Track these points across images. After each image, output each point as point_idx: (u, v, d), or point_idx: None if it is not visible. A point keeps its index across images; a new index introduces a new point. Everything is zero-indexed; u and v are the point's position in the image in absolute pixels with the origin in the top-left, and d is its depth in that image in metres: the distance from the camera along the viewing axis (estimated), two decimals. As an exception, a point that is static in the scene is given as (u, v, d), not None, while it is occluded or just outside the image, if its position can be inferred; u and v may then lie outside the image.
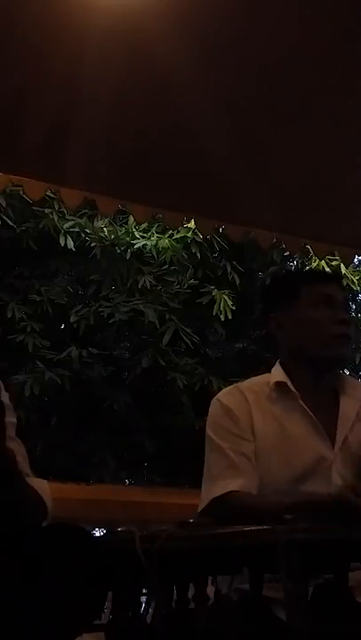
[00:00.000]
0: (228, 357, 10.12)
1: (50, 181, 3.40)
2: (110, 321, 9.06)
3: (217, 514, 1.86)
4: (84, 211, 8.66)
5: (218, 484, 1.95)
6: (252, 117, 3.15)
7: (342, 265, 7.94)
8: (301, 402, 2.05)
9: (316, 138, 3.24)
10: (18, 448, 1.64)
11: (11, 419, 1.59)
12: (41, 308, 9.10)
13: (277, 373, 2.12)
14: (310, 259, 8.92)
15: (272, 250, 8.24)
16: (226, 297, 9.32)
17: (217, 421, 2.08)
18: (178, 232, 9.30)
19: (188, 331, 9.23)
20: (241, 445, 2.00)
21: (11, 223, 9.04)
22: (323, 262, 8.06)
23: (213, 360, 9.86)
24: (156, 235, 9.45)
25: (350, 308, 2.52)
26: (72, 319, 9.11)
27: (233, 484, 1.93)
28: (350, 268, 9.53)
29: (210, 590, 1.39)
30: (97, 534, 1.61)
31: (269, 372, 2.17)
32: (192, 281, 9.57)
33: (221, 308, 9.29)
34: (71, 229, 9.22)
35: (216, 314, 9.33)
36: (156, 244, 9.43)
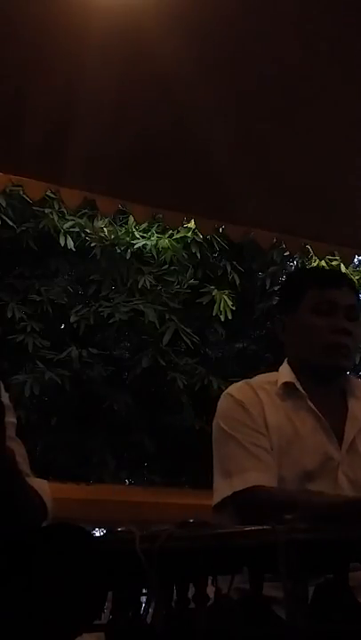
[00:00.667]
0: (228, 357, 10.12)
1: (50, 181, 3.41)
2: (110, 321, 9.06)
3: (241, 509, 1.83)
4: (84, 211, 8.66)
5: (239, 476, 1.89)
6: (252, 117, 3.15)
7: (342, 265, 7.93)
8: (310, 402, 2.03)
9: (317, 138, 3.24)
10: (18, 448, 1.64)
11: (11, 419, 1.59)
12: (41, 308, 9.10)
13: (285, 373, 2.10)
14: (310, 259, 8.91)
15: (272, 250, 8.23)
16: (226, 297, 9.32)
17: (230, 414, 2.02)
18: (178, 232, 9.30)
19: (188, 331, 9.23)
20: (258, 439, 1.95)
21: (11, 223, 9.04)
22: (323, 262, 8.05)
23: (213, 360, 9.86)
24: (156, 235, 9.45)
25: (357, 313, 2.47)
26: (72, 319, 9.11)
27: (255, 477, 1.87)
28: (350, 268, 9.52)
29: (210, 590, 1.39)
30: (97, 534, 1.61)
31: (271, 371, 2.16)
32: (192, 281, 9.57)
33: (221, 308, 9.29)
34: (71, 229, 9.21)
35: (216, 314, 9.33)
36: (156, 244, 9.43)
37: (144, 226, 9.26)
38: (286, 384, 2.07)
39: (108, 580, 1.38)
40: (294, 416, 2.03)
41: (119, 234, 9.40)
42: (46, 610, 1.31)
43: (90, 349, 9.03)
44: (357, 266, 10.42)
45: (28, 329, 8.91)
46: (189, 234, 9.32)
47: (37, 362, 8.78)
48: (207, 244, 9.46)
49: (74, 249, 9.24)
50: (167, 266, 9.50)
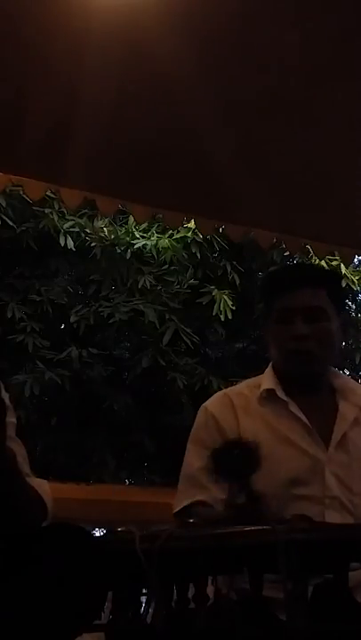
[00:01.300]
0: (228, 357, 10.12)
1: (50, 181, 3.41)
2: (110, 321, 9.06)
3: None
4: (84, 211, 8.66)
5: (181, 498, 2.04)
6: (253, 117, 3.16)
7: (342, 265, 7.94)
8: (291, 407, 2.04)
9: (317, 138, 3.24)
10: (18, 448, 1.64)
11: (11, 419, 1.59)
12: (41, 307, 9.10)
13: (268, 379, 2.10)
14: (310, 259, 8.91)
15: (272, 250, 8.24)
16: (226, 297, 9.32)
17: (195, 430, 2.14)
18: (178, 232, 9.30)
19: (188, 331, 9.23)
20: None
21: (11, 223, 9.04)
22: (323, 262, 8.05)
23: (213, 360, 9.86)
24: (156, 235, 9.45)
25: (321, 313, 2.37)
26: (72, 319, 9.11)
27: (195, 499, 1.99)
28: (350, 267, 9.52)
29: (210, 590, 1.39)
30: (97, 534, 1.61)
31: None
32: (192, 281, 9.57)
33: (221, 308, 9.29)
34: (71, 229, 9.22)
35: (216, 314, 9.32)
36: (156, 244, 9.43)
37: (144, 226, 9.26)
38: (268, 391, 2.07)
39: (108, 580, 1.38)
40: (275, 422, 2.03)
41: (119, 234, 9.40)
42: (46, 610, 1.31)
43: (90, 349, 9.02)
44: (357, 266, 10.42)
45: (28, 329, 8.91)
46: (189, 234, 9.31)
47: (37, 362, 8.78)
48: (207, 244, 9.46)
49: (74, 249, 9.24)
50: (167, 266, 9.50)
